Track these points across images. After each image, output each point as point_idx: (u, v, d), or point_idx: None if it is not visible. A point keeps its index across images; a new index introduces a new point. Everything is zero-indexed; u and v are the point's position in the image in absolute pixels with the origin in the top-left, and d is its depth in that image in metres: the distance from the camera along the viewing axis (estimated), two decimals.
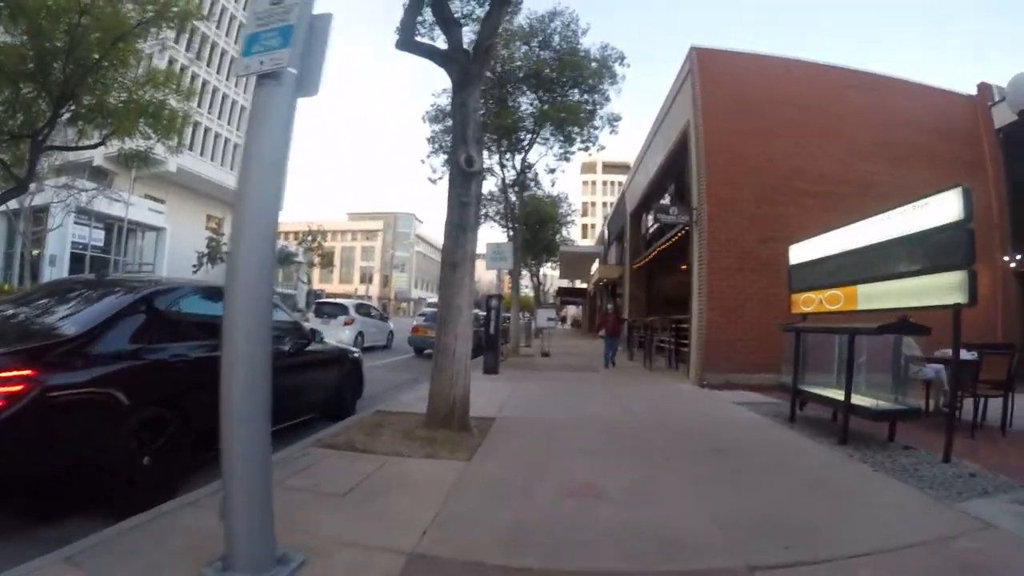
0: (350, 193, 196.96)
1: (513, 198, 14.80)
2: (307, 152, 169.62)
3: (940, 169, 9.33)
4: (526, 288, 47.83)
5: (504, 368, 10.48)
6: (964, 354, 4.78)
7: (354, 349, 6.24)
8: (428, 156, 14.71)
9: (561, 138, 14.19)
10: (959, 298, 3.84)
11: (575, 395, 7.47)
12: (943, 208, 4.02)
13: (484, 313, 10.25)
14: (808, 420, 5.66)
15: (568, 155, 14.99)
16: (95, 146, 12.20)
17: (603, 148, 15.04)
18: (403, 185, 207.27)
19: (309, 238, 47.51)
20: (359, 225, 79.58)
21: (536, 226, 23.30)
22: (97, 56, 9.87)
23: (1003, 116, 9.91)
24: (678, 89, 10.68)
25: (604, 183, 70.08)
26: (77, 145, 12.44)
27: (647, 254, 14.87)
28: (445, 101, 14.14)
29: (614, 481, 3.48)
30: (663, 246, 12.96)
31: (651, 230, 13.82)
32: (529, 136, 14.19)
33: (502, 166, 14.65)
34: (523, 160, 14.30)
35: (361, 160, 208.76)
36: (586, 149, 14.41)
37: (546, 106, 12.68)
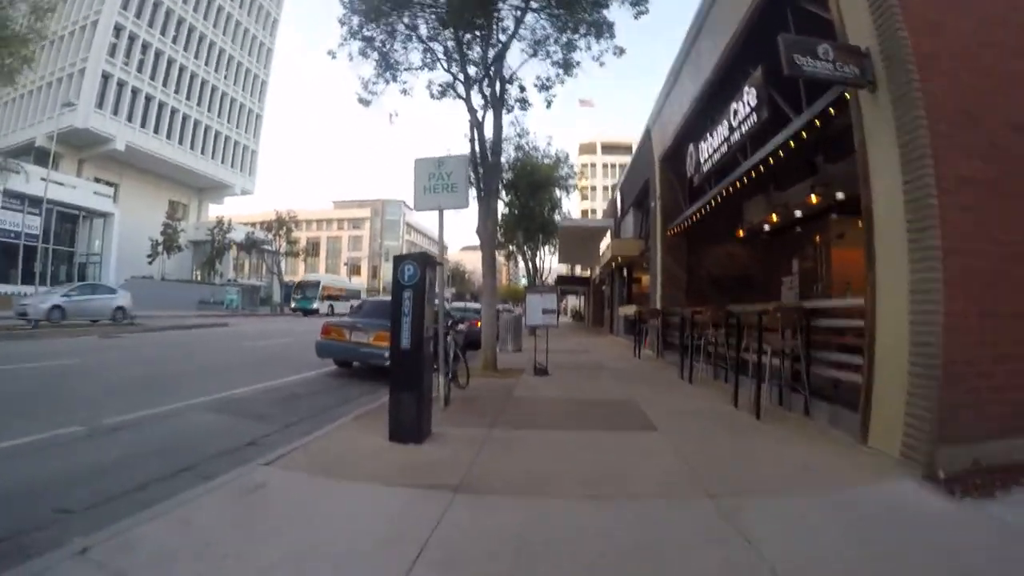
0: (337, 181, 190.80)
1: (483, 117, 9.15)
2: (292, 142, 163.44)
3: None
4: (522, 277, 42.54)
5: (455, 411, 5.17)
6: None
7: None
8: (344, 48, 9.04)
9: (559, 23, 8.88)
10: None
11: None
12: None
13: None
14: None
15: (570, 64, 9.63)
16: None
17: (623, 52, 9.73)
18: (391, 172, 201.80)
19: (277, 225, 42.42)
20: (345, 213, 75.57)
21: (528, 191, 17.82)
22: None
23: None
24: None
25: (604, 165, 65.59)
26: None
27: (696, 210, 9.55)
28: None
29: None
30: (732, 186, 7.67)
31: (707, 166, 8.47)
32: (511, 25, 8.95)
33: (467, 77, 9.24)
34: (498, 60, 8.95)
35: (348, 147, 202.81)
36: (596, 45, 9.04)
37: None
